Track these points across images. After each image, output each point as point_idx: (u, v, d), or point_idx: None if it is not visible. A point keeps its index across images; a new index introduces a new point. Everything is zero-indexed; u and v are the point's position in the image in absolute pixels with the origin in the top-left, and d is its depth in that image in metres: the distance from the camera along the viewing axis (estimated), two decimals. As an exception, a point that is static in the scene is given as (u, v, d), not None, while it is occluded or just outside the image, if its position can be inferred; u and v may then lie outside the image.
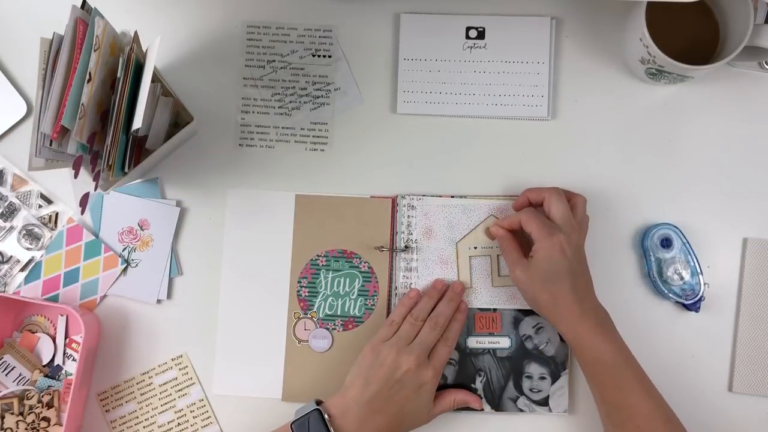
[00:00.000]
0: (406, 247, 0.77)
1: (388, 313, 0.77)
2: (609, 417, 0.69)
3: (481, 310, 0.77)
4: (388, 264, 0.78)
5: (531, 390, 0.76)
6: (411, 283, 0.77)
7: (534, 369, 0.76)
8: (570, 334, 0.70)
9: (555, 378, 0.76)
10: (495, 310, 0.77)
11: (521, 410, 0.76)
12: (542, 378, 0.76)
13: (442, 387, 0.76)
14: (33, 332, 0.79)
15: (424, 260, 0.77)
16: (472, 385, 0.76)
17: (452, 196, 0.78)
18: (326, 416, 0.67)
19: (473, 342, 0.77)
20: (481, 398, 0.76)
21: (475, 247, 0.77)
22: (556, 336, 0.76)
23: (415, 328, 0.72)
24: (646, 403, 0.66)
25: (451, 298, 0.75)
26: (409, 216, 0.78)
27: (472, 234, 0.77)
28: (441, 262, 0.77)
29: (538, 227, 0.70)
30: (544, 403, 0.76)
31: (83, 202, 0.67)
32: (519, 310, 0.77)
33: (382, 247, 0.78)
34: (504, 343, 0.77)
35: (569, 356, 0.76)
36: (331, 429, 0.67)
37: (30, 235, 0.80)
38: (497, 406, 0.76)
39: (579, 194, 0.74)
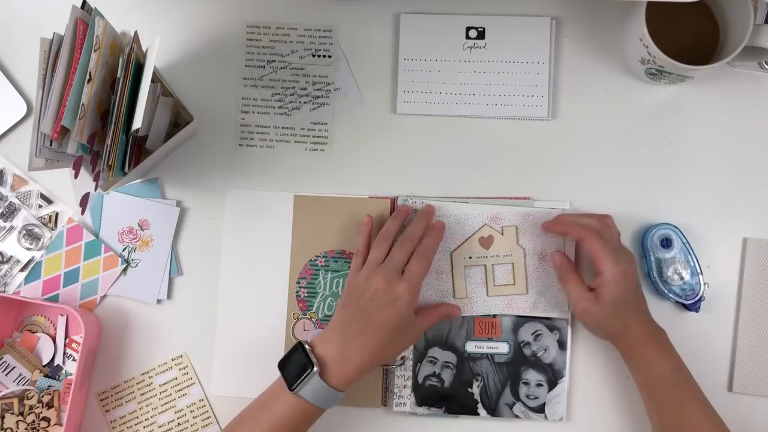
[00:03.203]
0: None
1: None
2: None
3: (481, 315, 0.77)
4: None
5: (527, 397, 0.76)
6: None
7: (531, 376, 0.76)
8: (635, 356, 0.70)
9: (552, 385, 0.76)
10: (495, 315, 0.77)
11: (517, 416, 0.76)
12: (539, 385, 0.76)
13: (440, 387, 0.76)
14: (33, 332, 0.79)
15: None
16: (469, 390, 0.76)
17: (454, 201, 0.78)
18: (307, 347, 0.67)
19: (471, 346, 0.77)
20: (478, 403, 0.76)
21: (470, 257, 0.77)
22: (554, 343, 0.76)
23: (382, 251, 0.70)
24: (706, 420, 0.67)
25: (420, 218, 0.74)
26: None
27: (466, 244, 0.77)
28: (436, 272, 0.77)
29: (606, 253, 0.69)
30: (540, 410, 0.76)
31: (83, 202, 0.68)
32: (519, 317, 0.77)
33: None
34: (502, 348, 0.77)
35: (568, 364, 0.76)
36: (311, 356, 0.66)
37: (30, 235, 0.80)
38: (493, 411, 0.76)
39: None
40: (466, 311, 0.76)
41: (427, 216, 0.75)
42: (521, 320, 0.77)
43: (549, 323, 0.76)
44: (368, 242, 0.73)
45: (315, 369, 0.65)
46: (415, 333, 0.71)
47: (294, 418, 0.66)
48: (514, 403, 0.76)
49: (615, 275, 0.69)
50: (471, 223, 0.77)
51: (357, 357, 0.67)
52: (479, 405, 0.76)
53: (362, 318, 0.67)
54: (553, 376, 0.76)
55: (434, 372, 0.76)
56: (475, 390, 0.76)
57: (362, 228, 0.74)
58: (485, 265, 0.77)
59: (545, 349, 0.76)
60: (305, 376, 0.65)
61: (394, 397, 0.76)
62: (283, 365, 0.68)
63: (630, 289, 0.70)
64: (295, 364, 0.67)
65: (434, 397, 0.76)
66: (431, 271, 0.76)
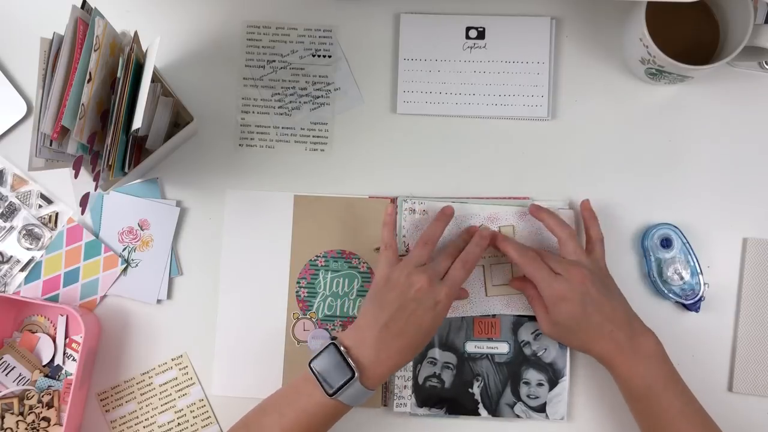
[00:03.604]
0: (407, 251, 0.77)
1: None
2: None
3: (481, 315, 0.77)
4: (388, 264, 0.78)
5: (528, 396, 0.76)
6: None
7: (532, 375, 0.76)
8: (609, 368, 0.69)
9: (553, 385, 0.76)
10: (494, 315, 0.77)
11: (518, 416, 0.76)
12: (540, 384, 0.76)
13: (440, 388, 0.76)
14: (33, 332, 0.79)
15: None
16: (470, 390, 0.76)
17: (452, 201, 0.77)
18: (342, 348, 0.65)
19: (471, 347, 0.77)
20: (478, 403, 0.76)
21: None
22: (554, 343, 0.76)
23: (426, 253, 0.69)
24: (688, 428, 0.66)
25: (477, 243, 0.72)
26: (413, 220, 0.77)
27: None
28: None
29: (541, 278, 0.69)
30: (542, 409, 0.76)
31: (83, 202, 0.68)
32: (519, 316, 0.77)
33: (382, 247, 0.78)
34: (502, 348, 0.77)
35: (568, 363, 0.76)
36: (349, 360, 0.64)
37: (30, 235, 0.80)
38: (494, 411, 0.76)
39: (597, 230, 0.73)
40: (465, 311, 0.76)
41: (485, 240, 0.73)
42: (521, 320, 0.77)
43: (549, 323, 0.76)
44: (394, 233, 0.72)
45: (357, 375, 0.64)
46: (439, 325, 0.69)
47: (324, 415, 0.65)
48: (515, 403, 0.76)
49: (551, 299, 0.69)
50: (468, 224, 0.77)
51: (394, 357, 0.66)
52: (480, 405, 0.76)
53: (402, 317, 0.66)
54: (553, 376, 0.76)
55: (434, 373, 0.76)
56: (476, 390, 0.76)
57: (387, 218, 0.72)
58: (483, 266, 0.77)
59: (545, 349, 0.76)
60: (346, 384, 0.64)
61: (395, 397, 0.76)
62: (315, 365, 0.66)
63: (574, 309, 0.68)
64: (330, 366, 0.65)
65: (435, 398, 0.76)
66: None
